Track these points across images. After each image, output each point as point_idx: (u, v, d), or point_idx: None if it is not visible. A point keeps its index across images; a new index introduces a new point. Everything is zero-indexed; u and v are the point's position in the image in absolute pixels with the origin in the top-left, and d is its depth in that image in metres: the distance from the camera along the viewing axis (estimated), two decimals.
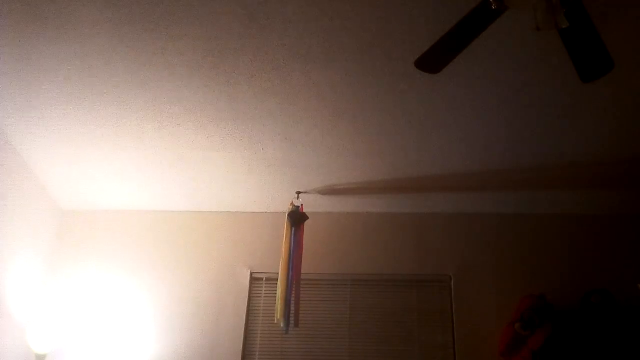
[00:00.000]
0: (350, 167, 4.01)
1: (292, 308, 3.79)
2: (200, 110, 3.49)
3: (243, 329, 4.18)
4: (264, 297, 4.31)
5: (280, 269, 3.90)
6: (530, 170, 3.98)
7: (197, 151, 3.89)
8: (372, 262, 4.35)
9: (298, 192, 4.21)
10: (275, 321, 3.81)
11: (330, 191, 4.27)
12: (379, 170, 4.04)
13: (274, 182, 4.21)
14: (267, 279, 4.34)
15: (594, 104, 3.30)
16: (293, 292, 3.82)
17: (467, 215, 4.45)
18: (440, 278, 4.31)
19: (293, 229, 4.00)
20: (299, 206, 4.10)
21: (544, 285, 4.03)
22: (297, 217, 4.03)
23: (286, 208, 4.09)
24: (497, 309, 4.08)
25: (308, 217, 4.05)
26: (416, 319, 4.21)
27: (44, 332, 3.82)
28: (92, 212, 4.57)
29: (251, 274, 4.35)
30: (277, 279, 3.93)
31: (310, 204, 4.20)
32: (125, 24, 2.85)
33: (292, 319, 3.78)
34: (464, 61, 2.62)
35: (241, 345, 4.13)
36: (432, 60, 2.49)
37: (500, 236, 4.39)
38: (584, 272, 4.16)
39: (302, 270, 3.94)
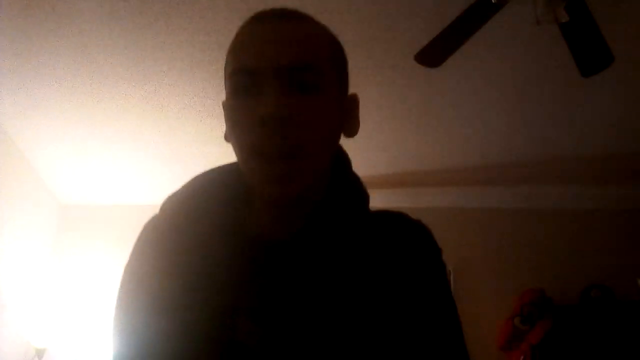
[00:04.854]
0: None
1: None
2: (201, 104, 3.47)
3: None
4: None
5: None
6: (530, 165, 3.97)
7: (197, 146, 3.88)
8: None
9: None
10: None
11: None
12: (378, 165, 4.03)
13: None
14: None
15: (595, 99, 3.30)
16: None
17: (466, 210, 4.45)
18: None
19: None
20: None
21: (543, 280, 4.03)
22: None
23: None
24: (496, 303, 4.08)
25: None
26: None
27: (44, 327, 3.82)
28: (92, 206, 4.56)
29: None
30: None
31: None
32: (124, 17, 2.84)
33: None
34: (464, 55, 2.61)
35: None
36: (433, 54, 2.49)
37: (499, 231, 4.39)
38: (584, 267, 4.15)
39: None
